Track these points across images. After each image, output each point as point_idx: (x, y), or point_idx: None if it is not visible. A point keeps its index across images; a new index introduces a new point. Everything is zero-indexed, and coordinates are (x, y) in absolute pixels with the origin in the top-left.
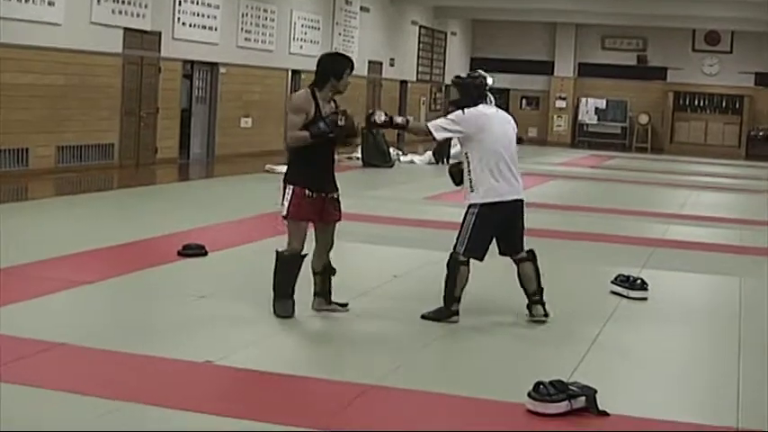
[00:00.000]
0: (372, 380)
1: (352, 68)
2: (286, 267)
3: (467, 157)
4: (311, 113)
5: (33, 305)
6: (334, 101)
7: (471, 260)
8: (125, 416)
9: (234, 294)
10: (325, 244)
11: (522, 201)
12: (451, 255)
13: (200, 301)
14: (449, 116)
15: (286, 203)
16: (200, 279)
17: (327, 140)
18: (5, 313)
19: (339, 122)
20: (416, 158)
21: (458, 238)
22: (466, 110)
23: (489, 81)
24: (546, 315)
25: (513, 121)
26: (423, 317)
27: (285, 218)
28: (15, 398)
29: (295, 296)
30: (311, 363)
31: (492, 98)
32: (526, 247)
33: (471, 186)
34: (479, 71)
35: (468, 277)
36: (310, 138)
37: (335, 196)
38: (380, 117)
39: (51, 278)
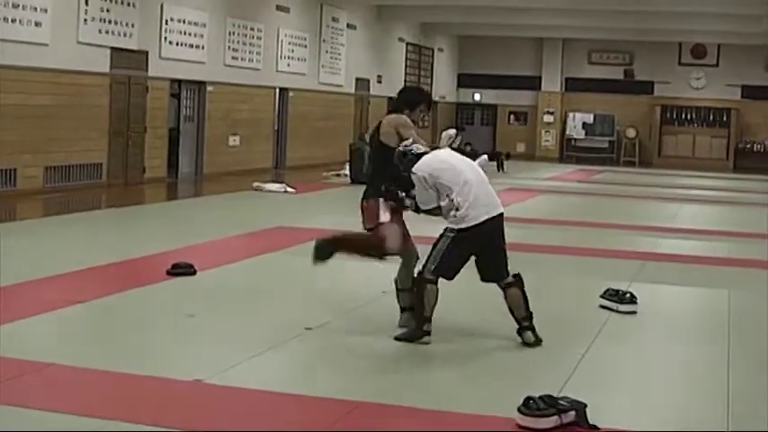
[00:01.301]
0: (361, 397)
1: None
2: None
3: None
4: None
5: (22, 325)
6: None
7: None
8: None
9: (223, 313)
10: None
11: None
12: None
13: (190, 319)
14: None
15: None
16: (189, 298)
17: None
18: None
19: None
20: None
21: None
22: None
23: (477, 97)
24: (537, 341)
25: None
26: (396, 339)
27: None
28: (3, 419)
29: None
30: (300, 380)
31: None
32: (512, 270)
33: None
34: None
35: (437, 296)
36: None
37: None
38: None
39: (40, 299)
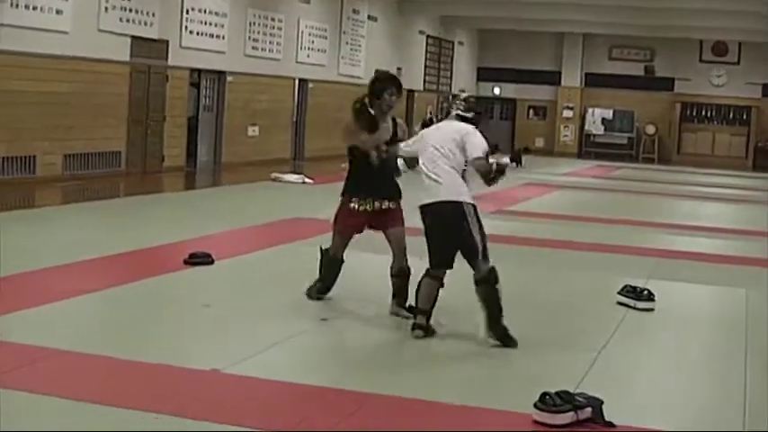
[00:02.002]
0: (377, 389)
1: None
2: None
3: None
4: None
5: (40, 312)
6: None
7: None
8: (127, 422)
9: (240, 303)
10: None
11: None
12: None
13: (207, 309)
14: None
15: None
16: (206, 287)
17: None
18: (12, 320)
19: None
20: None
21: None
22: None
23: (496, 91)
24: (504, 343)
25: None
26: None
27: None
28: (20, 405)
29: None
30: (316, 371)
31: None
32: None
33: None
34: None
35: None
36: None
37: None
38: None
39: (57, 286)
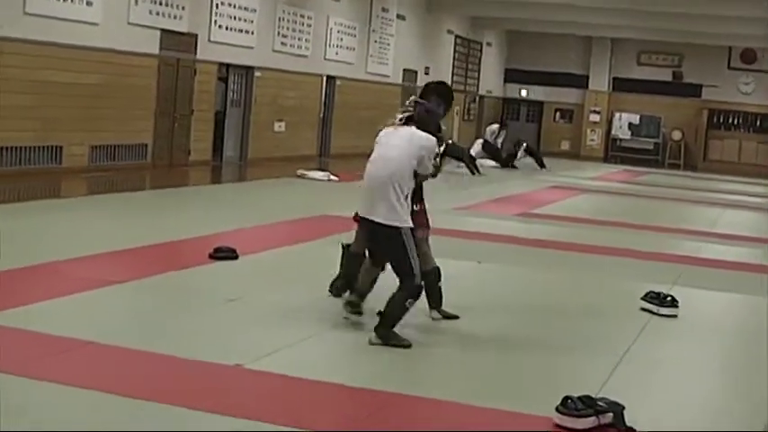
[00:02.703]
0: (399, 388)
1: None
2: None
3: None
4: None
5: (63, 303)
6: None
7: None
8: (150, 415)
9: (265, 298)
10: None
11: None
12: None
13: (231, 304)
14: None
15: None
16: (230, 282)
17: None
18: (35, 310)
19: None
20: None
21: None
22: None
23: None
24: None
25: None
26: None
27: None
28: (46, 395)
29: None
30: (338, 369)
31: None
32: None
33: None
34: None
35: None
36: None
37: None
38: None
39: (82, 276)
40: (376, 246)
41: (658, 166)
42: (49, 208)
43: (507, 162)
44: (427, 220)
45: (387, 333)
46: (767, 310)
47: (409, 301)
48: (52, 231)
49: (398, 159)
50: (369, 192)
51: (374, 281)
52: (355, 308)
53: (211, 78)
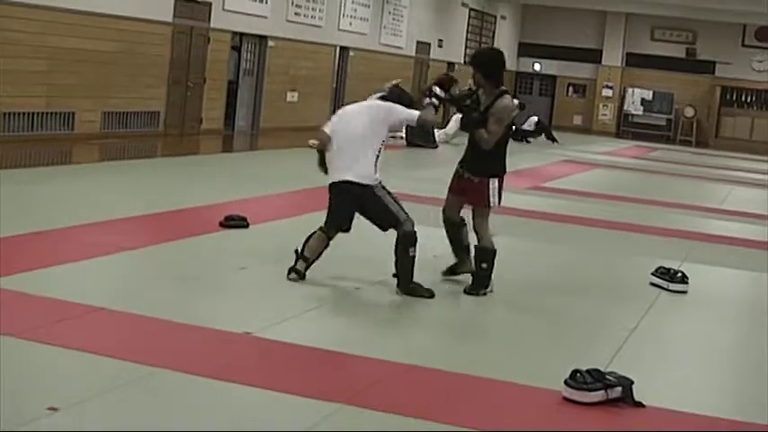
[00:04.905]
0: (406, 359)
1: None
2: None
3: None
4: None
5: (74, 269)
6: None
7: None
8: (159, 381)
9: (274, 267)
10: None
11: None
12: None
13: (241, 272)
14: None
15: (497, 197)
16: (241, 251)
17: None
18: (48, 275)
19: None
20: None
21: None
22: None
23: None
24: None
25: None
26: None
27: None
28: (55, 360)
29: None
30: (347, 338)
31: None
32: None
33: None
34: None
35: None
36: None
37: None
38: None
39: (93, 242)
40: (356, 206)
41: (670, 143)
42: (61, 174)
43: (521, 136)
44: (487, 196)
45: (408, 288)
46: None
47: (410, 249)
48: (64, 197)
49: (361, 125)
50: (339, 153)
51: (322, 251)
52: (298, 274)
53: (225, 47)
